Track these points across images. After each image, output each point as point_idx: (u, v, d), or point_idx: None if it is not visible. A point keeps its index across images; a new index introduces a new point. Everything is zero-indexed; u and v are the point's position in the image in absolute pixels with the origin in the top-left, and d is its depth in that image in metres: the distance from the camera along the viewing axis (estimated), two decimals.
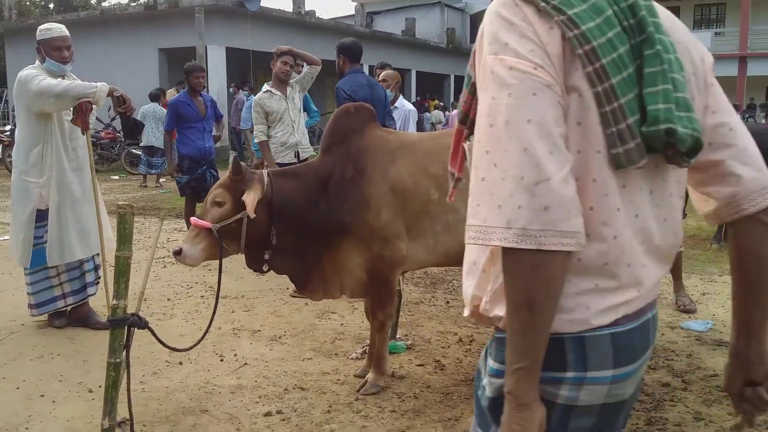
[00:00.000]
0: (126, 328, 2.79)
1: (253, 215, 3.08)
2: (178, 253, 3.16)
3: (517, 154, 1.07)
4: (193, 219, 3.25)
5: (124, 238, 2.66)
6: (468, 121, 1.28)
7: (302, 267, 3.38)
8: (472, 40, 34.15)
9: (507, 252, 1.08)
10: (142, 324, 2.81)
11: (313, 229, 3.30)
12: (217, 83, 17.84)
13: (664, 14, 1.24)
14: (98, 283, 4.61)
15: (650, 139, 1.11)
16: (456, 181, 1.43)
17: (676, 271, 5.15)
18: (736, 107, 17.37)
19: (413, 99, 27.66)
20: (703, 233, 8.15)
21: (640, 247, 1.19)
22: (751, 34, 30.13)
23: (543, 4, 1.12)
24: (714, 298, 5.33)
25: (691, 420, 3.19)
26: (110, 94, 4.16)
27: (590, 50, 1.11)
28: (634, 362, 1.20)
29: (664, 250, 1.25)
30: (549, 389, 1.16)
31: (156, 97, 12.54)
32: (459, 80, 30.94)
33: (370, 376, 3.56)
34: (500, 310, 1.19)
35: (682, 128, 1.11)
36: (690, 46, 1.29)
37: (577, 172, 1.11)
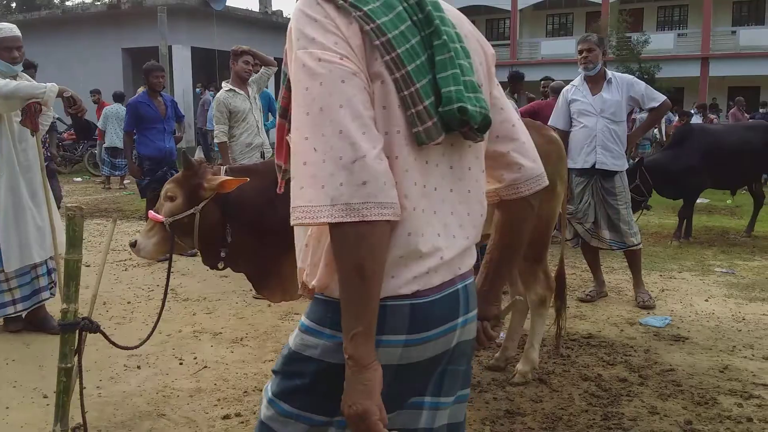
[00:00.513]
0: (77, 332, 2.74)
1: (230, 189, 3.03)
2: (133, 245, 3.13)
3: (334, 137, 1.17)
4: (150, 212, 3.18)
5: (74, 241, 2.60)
6: (288, 116, 1.36)
7: (260, 267, 3.32)
8: None
9: (334, 227, 1.17)
10: (94, 328, 2.75)
11: (272, 229, 3.24)
12: (182, 83, 17.67)
13: (450, 11, 1.41)
14: (52, 287, 4.52)
15: (446, 117, 1.26)
16: (283, 172, 1.51)
17: (635, 268, 5.24)
18: (703, 107, 17.64)
19: None
20: (664, 231, 8.30)
21: (444, 218, 1.33)
22: (713, 35, 30.75)
23: (341, 1, 1.24)
24: (673, 295, 5.42)
25: (647, 414, 3.24)
26: (60, 94, 4.08)
27: (386, 41, 1.23)
28: (431, 330, 1.30)
29: (470, 220, 1.40)
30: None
31: (120, 97, 12.36)
32: None
33: None
34: (317, 281, 1.32)
35: (471, 106, 1.27)
36: (477, 38, 1.49)
37: (384, 151, 1.22)
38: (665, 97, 5.18)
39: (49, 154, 6.07)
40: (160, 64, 6.66)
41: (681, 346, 4.22)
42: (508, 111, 1.53)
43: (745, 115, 16.61)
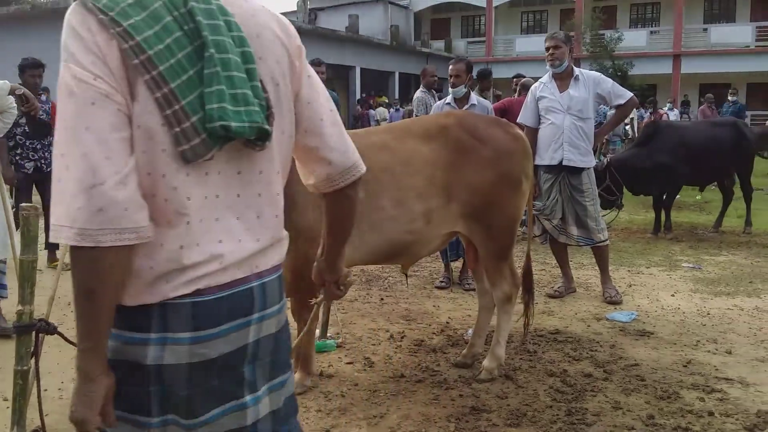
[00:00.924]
0: (34, 334, 2.69)
1: None
2: None
3: (79, 159, 1.18)
4: None
5: (28, 241, 2.56)
6: None
7: None
8: (417, 37, 34.41)
9: (71, 248, 1.20)
10: (51, 329, 2.70)
11: None
12: None
13: (242, 6, 1.38)
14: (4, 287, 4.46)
15: (213, 133, 1.24)
16: None
17: (602, 264, 5.28)
18: (677, 103, 17.86)
19: (357, 96, 27.65)
20: (633, 226, 8.41)
21: (227, 223, 1.35)
22: (684, 33, 31.15)
23: (101, 15, 1.20)
24: (640, 290, 5.48)
25: (610, 409, 3.26)
26: (12, 92, 4.01)
27: (146, 59, 1.20)
28: (220, 326, 1.32)
29: (260, 222, 1.43)
30: (138, 350, 1.29)
31: None
32: (403, 77, 31.08)
33: (296, 376, 3.52)
34: None
35: (238, 123, 1.26)
36: (278, 34, 1.44)
37: (149, 170, 1.24)
38: (632, 95, 5.22)
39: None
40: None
41: (646, 341, 4.27)
42: (316, 106, 1.53)
43: (714, 111, 16.82)
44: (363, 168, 1.66)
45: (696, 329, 4.48)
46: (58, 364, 3.84)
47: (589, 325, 4.58)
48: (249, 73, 1.32)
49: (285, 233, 1.57)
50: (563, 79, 5.16)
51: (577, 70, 5.19)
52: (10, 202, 5.07)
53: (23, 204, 2.65)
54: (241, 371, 1.39)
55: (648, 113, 16.80)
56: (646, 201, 9.43)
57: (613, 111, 6.96)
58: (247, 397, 1.40)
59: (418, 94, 7.62)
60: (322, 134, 1.55)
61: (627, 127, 15.70)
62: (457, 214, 3.47)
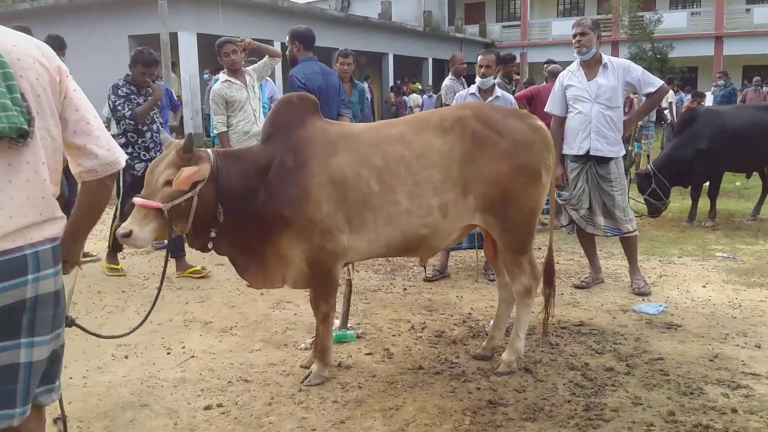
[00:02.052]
0: None
1: (185, 188, 3.05)
2: (127, 235, 3.02)
3: None
4: (139, 200, 3.09)
5: None
6: None
7: (243, 252, 3.37)
8: (450, 22, 34.07)
9: None
10: (68, 322, 2.75)
11: (254, 217, 3.27)
12: (188, 69, 17.65)
13: (4, 41, 1.81)
14: None
15: None
16: None
17: (631, 255, 5.18)
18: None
19: (390, 83, 27.55)
20: (668, 214, 8.18)
21: (2, 205, 1.76)
22: (726, 14, 30.23)
23: None
24: (670, 281, 5.36)
25: (630, 405, 3.20)
26: None
27: None
28: None
29: (29, 202, 1.82)
30: None
31: None
32: (437, 63, 30.83)
33: (314, 367, 3.54)
34: None
35: (0, 125, 1.70)
36: (36, 58, 1.87)
37: None
38: (662, 82, 5.08)
39: None
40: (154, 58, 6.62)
41: (673, 333, 4.17)
42: (83, 112, 1.98)
43: (761, 94, 16.23)
44: (123, 163, 2.07)
45: (726, 322, 4.36)
46: (84, 353, 3.92)
47: (614, 318, 4.50)
48: (9, 88, 1.74)
49: (60, 214, 1.94)
50: (591, 66, 5.02)
51: (606, 58, 5.05)
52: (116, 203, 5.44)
53: None
54: (20, 320, 1.82)
55: (688, 96, 16.33)
56: (682, 189, 9.21)
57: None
58: (23, 340, 1.83)
59: (447, 81, 7.54)
60: (90, 134, 1.99)
61: (666, 112, 15.32)
62: (474, 208, 3.45)
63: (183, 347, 4.04)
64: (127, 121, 5.48)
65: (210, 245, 3.30)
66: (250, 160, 3.35)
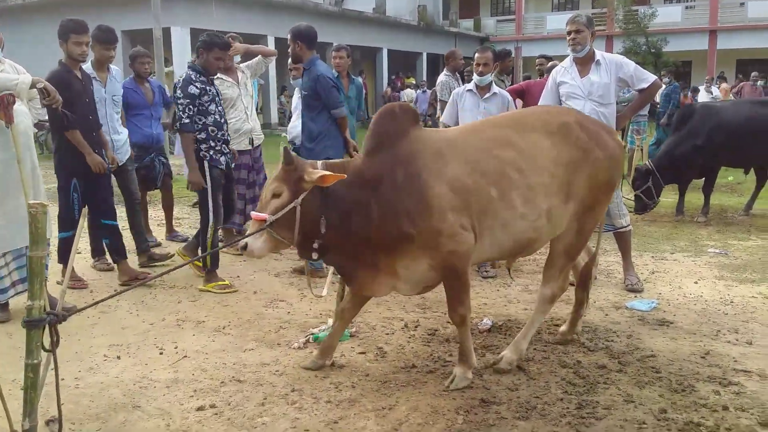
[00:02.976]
0: (48, 327, 2.74)
1: (329, 183, 3.16)
2: (243, 248, 3.27)
3: None
4: (253, 213, 3.30)
5: (37, 237, 2.58)
6: None
7: (352, 264, 3.37)
8: (445, 16, 33.97)
9: None
10: (60, 318, 2.75)
11: (365, 230, 3.24)
12: (182, 65, 17.55)
13: None
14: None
15: None
16: None
17: (624, 251, 5.19)
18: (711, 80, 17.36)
19: (385, 77, 27.51)
20: (661, 209, 8.20)
21: None
22: (720, 7, 30.24)
23: None
24: (663, 277, 5.38)
25: (622, 402, 3.21)
26: (34, 86, 4.06)
27: None
28: None
29: None
30: None
31: None
32: (432, 58, 30.78)
33: (457, 370, 3.47)
34: None
35: None
36: None
37: None
38: (655, 77, 5.09)
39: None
40: (146, 51, 6.58)
41: (665, 330, 4.19)
42: None
43: (759, 89, 16.23)
44: None
45: (717, 318, 4.38)
46: (76, 353, 3.92)
47: (607, 314, 4.51)
48: None
49: None
50: (584, 63, 5.02)
51: (598, 54, 5.04)
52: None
53: (31, 201, 2.68)
54: None
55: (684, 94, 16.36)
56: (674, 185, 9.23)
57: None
58: None
59: (443, 77, 7.52)
60: None
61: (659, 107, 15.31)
62: (572, 214, 3.51)
63: (176, 347, 4.04)
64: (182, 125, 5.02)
65: (315, 255, 3.35)
66: (354, 172, 3.30)
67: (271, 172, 7.12)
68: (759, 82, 16.97)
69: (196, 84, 5.00)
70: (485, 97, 5.46)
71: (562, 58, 6.53)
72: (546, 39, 31.36)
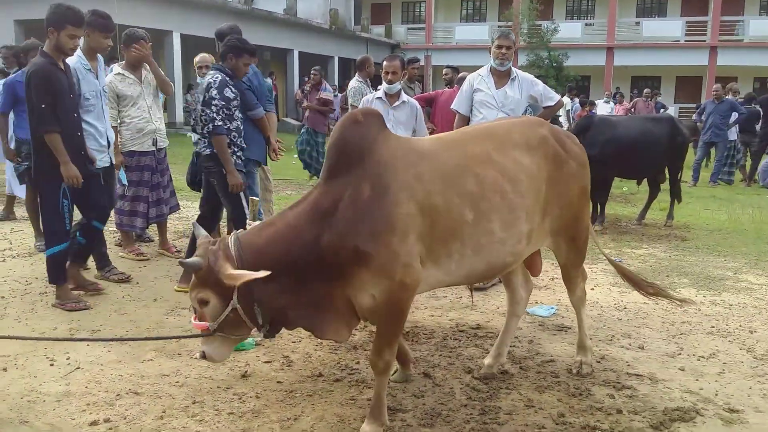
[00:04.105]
0: None
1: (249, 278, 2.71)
2: (203, 357, 2.97)
3: None
4: (193, 323, 2.89)
5: None
6: None
7: (315, 313, 2.95)
8: (356, 21, 34.11)
9: None
10: None
11: (316, 268, 2.86)
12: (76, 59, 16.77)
13: None
14: None
15: None
16: None
17: None
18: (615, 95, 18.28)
19: (296, 80, 27.29)
20: None
21: None
22: (618, 26, 31.95)
23: None
24: (561, 284, 5.50)
25: (523, 407, 3.29)
26: None
27: None
28: None
29: None
30: None
31: (5, 73, 11.74)
32: (343, 62, 30.81)
33: (366, 427, 3.01)
34: None
35: None
36: None
37: None
38: (560, 97, 5.56)
39: None
40: (39, 42, 6.20)
41: (564, 335, 4.34)
42: None
43: (650, 105, 17.21)
44: None
45: (612, 324, 4.58)
46: None
47: None
48: None
49: None
50: (501, 76, 5.33)
51: (514, 71, 5.38)
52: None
53: None
54: None
55: (581, 107, 17.13)
56: None
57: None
58: None
59: (354, 83, 7.53)
60: None
61: (561, 119, 15.99)
62: (548, 231, 3.41)
63: (68, 358, 3.81)
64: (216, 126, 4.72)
65: (278, 332, 3.08)
66: (300, 213, 2.91)
67: (175, 173, 6.85)
68: (653, 99, 17.99)
69: (231, 88, 4.79)
70: (394, 105, 5.51)
71: (470, 68, 6.72)
72: (455, 48, 32.12)
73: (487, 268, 3.17)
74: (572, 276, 3.69)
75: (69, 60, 4.74)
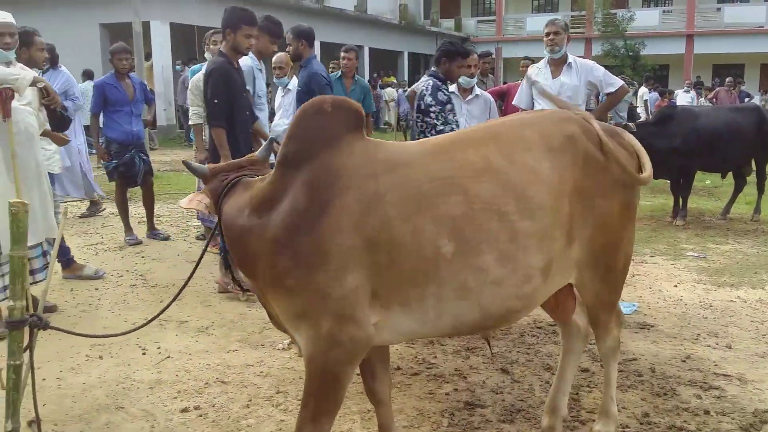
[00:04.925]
0: (28, 328, 2.70)
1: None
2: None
3: None
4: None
5: (18, 237, 2.54)
6: None
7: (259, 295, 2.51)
8: (426, 16, 34.01)
9: None
10: (43, 324, 2.72)
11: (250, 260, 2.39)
12: (161, 59, 17.40)
13: None
14: (46, 267, 4.46)
15: None
16: None
17: None
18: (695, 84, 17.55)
19: (367, 76, 27.47)
20: (639, 213, 8.26)
21: None
22: (698, 12, 30.67)
23: None
24: (643, 280, 5.44)
25: None
26: (34, 84, 4.05)
27: None
28: None
29: None
30: None
31: (90, 75, 12.43)
32: (413, 57, 30.81)
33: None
34: None
35: None
36: None
37: None
38: (623, 83, 5.44)
39: None
40: (126, 46, 6.49)
41: (646, 334, 4.24)
42: None
43: (733, 95, 16.47)
44: None
45: (697, 322, 4.44)
46: (57, 353, 3.87)
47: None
48: None
49: None
50: (558, 65, 5.30)
51: (571, 57, 5.31)
52: None
53: (11, 200, 2.63)
54: None
55: (660, 97, 16.57)
56: (653, 186, 9.35)
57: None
58: None
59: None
60: None
61: (639, 110, 15.53)
62: (575, 261, 2.46)
63: (158, 347, 4.00)
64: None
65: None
66: (257, 193, 2.38)
67: None
68: (736, 88, 17.20)
69: (444, 91, 4.91)
70: (468, 99, 5.52)
71: (541, 60, 6.64)
72: (526, 40, 31.57)
73: (482, 316, 2.33)
74: (602, 320, 2.70)
75: (244, 60, 5.00)
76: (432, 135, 4.68)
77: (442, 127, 4.73)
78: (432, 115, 4.77)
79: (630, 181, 2.53)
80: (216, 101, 4.55)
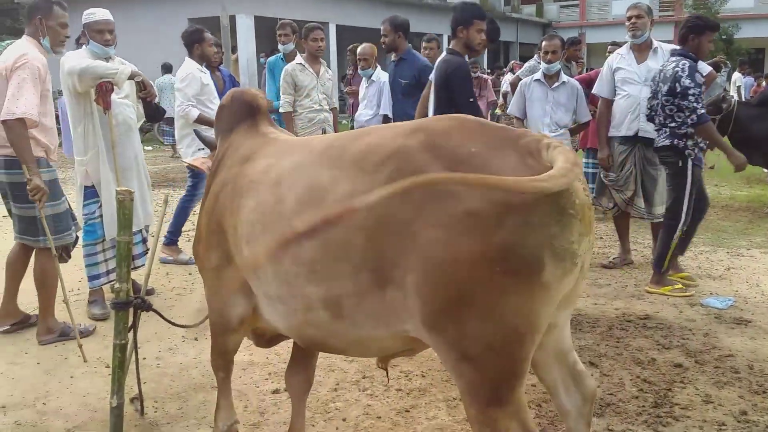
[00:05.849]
0: (132, 310, 2.86)
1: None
2: None
3: None
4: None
5: (124, 223, 2.70)
6: None
7: None
8: (506, 2, 33.42)
9: None
10: (146, 306, 2.88)
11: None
12: (246, 53, 17.86)
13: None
14: (146, 253, 4.72)
15: None
16: None
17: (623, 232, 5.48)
18: None
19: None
20: (735, 203, 7.94)
21: None
22: None
23: None
24: (739, 274, 5.21)
25: (700, 403, 3.14)
26: (132, 77, 4.26)
27: None
28: None
29: None
30: None
31: (169, 68, 12.86)
32: (494, 44, 30.35)
33: None
34: None
35: None
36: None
37: None
38: (711, 69, 5.29)
39: None
40: (216, 38, 6.69)
41: (743, 329, 4.06)
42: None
43: None
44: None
45: None
46: (156, 333, 4.06)
47: (681, 311, 4.40)
48: None
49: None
50: (642, 50, 5.16)
51: (656, 42, 5.17)
52: None
53: (118, 188, 2.79)
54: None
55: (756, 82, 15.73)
56: (749, 175, 8.92)
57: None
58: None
59: (532, 62, 7.33)
60: None
61: (733, 96, 14.77)
62: (408, 311, 1.86)
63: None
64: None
65: None
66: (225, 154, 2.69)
67: None
68: None
69: (701, 73, 4.73)
70: (554, 86, 5.38)
71: None
72: (611, 24, 30.55)
73: (296, 334, 2.31)
74: (471, 419, 1.90)
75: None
76: (690, 120, 4.47)
77: (702, 111, 4.47)
78: (691, 98, 4.45)
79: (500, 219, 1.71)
80: (472, 99, 4.40)
